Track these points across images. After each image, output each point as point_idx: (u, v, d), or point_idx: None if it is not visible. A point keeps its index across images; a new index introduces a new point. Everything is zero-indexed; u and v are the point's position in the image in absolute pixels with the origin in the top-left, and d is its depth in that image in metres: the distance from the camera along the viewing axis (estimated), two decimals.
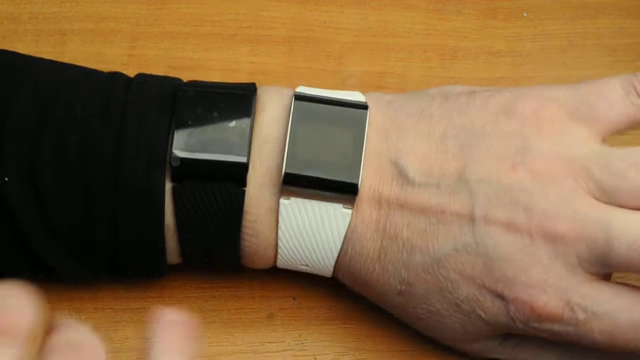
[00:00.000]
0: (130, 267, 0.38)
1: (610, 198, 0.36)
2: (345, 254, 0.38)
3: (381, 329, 0.41)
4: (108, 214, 0.36)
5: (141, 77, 0.38)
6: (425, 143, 0.37)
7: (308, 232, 0.37)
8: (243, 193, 0.36)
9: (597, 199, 0.36)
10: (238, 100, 0.37)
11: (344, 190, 0.36)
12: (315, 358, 0.40)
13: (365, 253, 0.37)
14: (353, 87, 0.45)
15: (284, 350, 0.40)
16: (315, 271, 0.39)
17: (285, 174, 0.36)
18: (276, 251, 0.38)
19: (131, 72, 0.39)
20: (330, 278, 0.41)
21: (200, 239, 0.37)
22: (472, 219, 0.36)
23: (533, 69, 0.46)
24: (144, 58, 0.46)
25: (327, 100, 0.37)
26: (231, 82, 0.38)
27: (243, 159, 0.36)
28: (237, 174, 0.36)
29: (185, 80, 0.38)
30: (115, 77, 0.38)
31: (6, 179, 0.35)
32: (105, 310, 0.41)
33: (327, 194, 0.36)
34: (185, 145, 0.35)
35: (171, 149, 0.35)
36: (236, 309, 0.41)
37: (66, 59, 0.45)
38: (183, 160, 0.35)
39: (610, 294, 0.35)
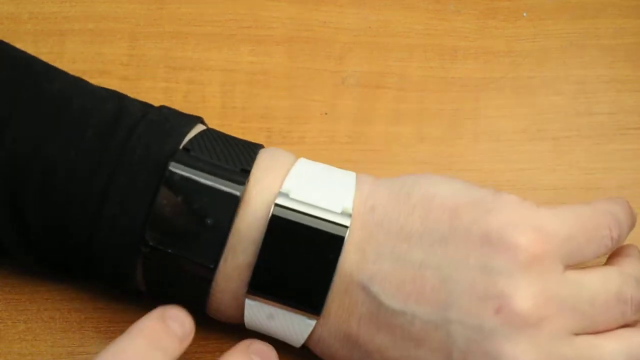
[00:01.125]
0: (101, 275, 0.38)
1: (590, 328, 0.35)
2: (315, 348, 0.38)
3: None
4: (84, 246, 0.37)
5: (146, 123, 0.37)
6: (402, 270, 0.35)
7: (272, 329, 0.37)
8: (209, 282, 0.36)
9: (577, 333, 0.35)
10: (223, 198, 0.35)
11: (308, 311, 0.36)
12: (315, 358, 0.40)
13: (333, 355, 0.37)
14: (353, 87, 0.45)
15: (283, 350, 0.40)
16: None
17: (250, 283, 0.35)
18: (240, 323, 0.38)
19: (131, 72, 0.39)
20: None
21: (167, 297, 0.37)
22: (449, 359, 0.34)
23: (533, 69, 0.46)
24: (144, 58, 0.46)
25: (307, 218, 0.35)
26: (235, 145, 0.37)
27: (211, 265, 0.35)
28: (203, 274, 0.36)
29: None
30: (119, 122, 0.37)
31: None
32: (105, 310, 0.41)
33: (291, 309, 0.36)
34: (157, 235, 0.35)
35: (143, 234, 0.35)
36: None
37: (66, 59, 0.45)
38: (153, 249, 0.35)
39: None
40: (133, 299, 0.41)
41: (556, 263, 0.35)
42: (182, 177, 0.35)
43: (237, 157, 0.36)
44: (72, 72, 0.39)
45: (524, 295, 0.34)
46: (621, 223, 0.37)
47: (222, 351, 0.40)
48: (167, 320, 0.34)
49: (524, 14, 0.48)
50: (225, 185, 0.35)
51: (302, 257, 0.35)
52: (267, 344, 0.36)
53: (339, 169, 0.38)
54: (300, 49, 0.46)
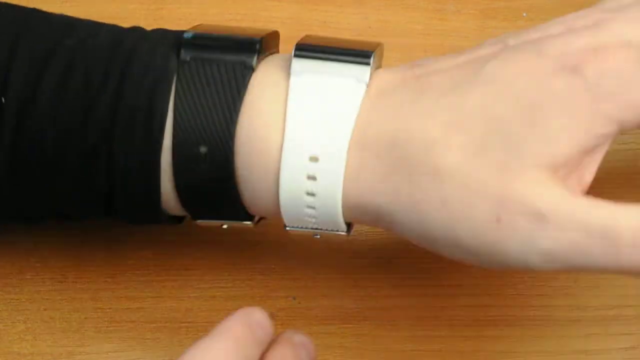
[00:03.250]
0: (126, 200, 0.36)
1: None
2: (369, 118, 0.34)
3: (381, 328, 0.41)
4: (107, 132, 0.35)
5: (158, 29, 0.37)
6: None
7: (319, 108, 0.34)
8: (251, 70, 0.35)
9: None
10: (244, 39, 0.36)
11: (358, 56, 0.34)
12: (315, 358, 0.40)
13: (398, 104, 0.34)
14: None
15: None
16: (324, 195, 0.34)
17: (298, 44, 0.35)
18: (278, 140, 0.34)
19: None
20: (330, 278, 0.41)
21: (194, 136, 0.34)
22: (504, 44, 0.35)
23: None
24: None
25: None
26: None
27: (256, 38, 0.35)
28: (249, 49, 0.35)
29: None
30: (129, 30, 0.37)
31: (3, 100, 0.35)
32: (105, 310, 0.41)
33: (341, 64, 0.34)
34: (192, 51, 0.35)
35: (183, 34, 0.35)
36: (236, 309, 0.41)
37: None
38: (195, 34, 0.35)
39: None
40: (133, 299, 0.41)
41: None
42: (199, 35, 0.35)
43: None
44: None
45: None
46: None
47: None
48: (254, 325, 0.33)
49: (524, 14, 0.48)
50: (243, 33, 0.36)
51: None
52: (306, 336, 0.35)
53: None
54: None
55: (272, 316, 0.40)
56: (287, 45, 0.46)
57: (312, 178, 0.34)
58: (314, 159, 0.34)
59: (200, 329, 0.41)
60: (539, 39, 0.34)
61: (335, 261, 0.42)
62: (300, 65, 0.35)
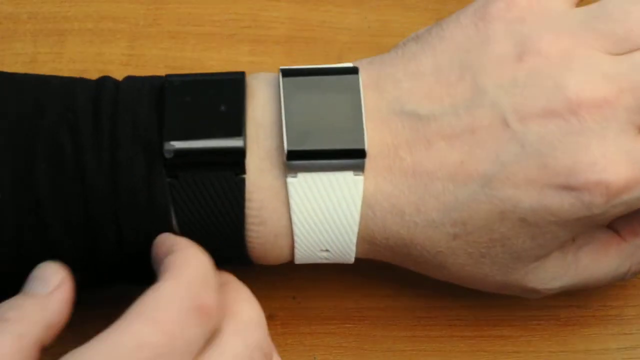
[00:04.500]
0: (133, 272, 0.37)
1: (625, 45, 0.35)
2: (374, 220, 0.36)
3: (381, 328, 0.41)
4: (110, 216, 0.35)
5: (129, 78, 0.37)
6: (422, 81, 0.35)
7: (322, 207, 0.35)
8: (243, 180, 0.34)
9: (615, 54, 0.35)
10: (228, 85, 0.35)
11: (352, 156, 0.34)
12: (315, 358, 0.40)
13: (399, 210, 0.35)
14: None
15: (284, 350, 0.40)
16: (337, 257, 0.37)
17: (288, 151, 0.34)
18: (289, 240, 0.36)
19: (130, 72, 0.39)
20: (330, 278, 0.41)
21: (203, 236, 0.35)
22: (507, 125, 0.34)
23: None
24: (143, 58, 0.45)
25: (315, 70, 0.36)
26: (218, 72, 0.37)
27: (239, 143, 0.34)
28: (234, 159, 0.34)
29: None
30: (104, 81, 0.36)
31: None
32: (105, 310, 0.41)
33: (335, 162, 0.34)
34: (177, 135, 0.34)
35: (163, 141, 0.34)
36: None
37: (65, 58, 0.45)
38: (177, 151, 0.34)
39: None
40: (133, 299, 0.41)
41: (545, 2, 0.36)
42: (183, 81, 0.35)
43: (224, 73, 0.37)
44: (71, 72, 0.39)
45: (535, 39, 0.35)
46: None
47: None
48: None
49: None
50: (227, 76, 0.36)
51: (325, 107, 0.35)
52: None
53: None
54: (300, 49, 0.46)
55: (272, 316, 0.40)
56: (287, 45, 0.46)
57: (325, 251, 0.37)
58: (325, 250, 0.36)
59: None
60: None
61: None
62: (294, 165, 0.35)
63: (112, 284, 0.38)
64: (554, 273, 0.37)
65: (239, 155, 0.34)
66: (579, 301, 0.42)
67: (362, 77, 0.36)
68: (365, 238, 0.36)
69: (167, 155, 0.34)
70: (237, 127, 0.34)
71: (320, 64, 0.36)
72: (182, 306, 0.30)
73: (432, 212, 0.35)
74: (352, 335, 0.41)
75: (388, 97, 0.36)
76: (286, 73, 0.35)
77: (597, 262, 0.38)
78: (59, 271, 0.33)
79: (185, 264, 0.32)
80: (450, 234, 0.35)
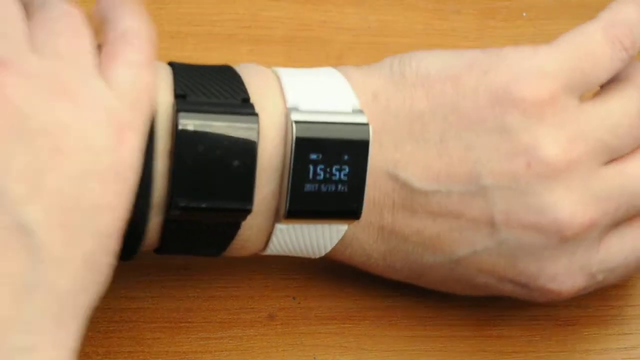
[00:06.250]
0: None
1: (616, 155, 0.36)
2: (344, 252, 0.37)
3: (381, 328, 0.41)
4: None
5: None
6: (425, 150, 0.35)
7: (297, 247, 0.37)
8: (239, 225, 0.35)
9: (606, 163, 0.36)
10: (242, 133, 0.33)
11: (348, 217, 0.35)
12: (315, 358, 0.40)
13: (367, 254, 0.37)
14: None
15: (283, 350, 0.40)
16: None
17: (289, 210, 0.34)
18: (259, 253, 0.38)
19: None
20: (330, 278, 0.41)
21: (184, 250, 0.36)
22: (492, 224, 0.35)
23: None
24: None
25: (327, 123, 0.34)
26: (227, 88, 0.35)
27: (249, 206, 0.34)
28: (240, 219, 0.34)
29: None
30: None
31: None
32: (105, 310, 0.41)
33: (329, 221, 0.36)
34: (186, 191, 0.33)
35: (171, 195, 0.33)
36: (236, 309, 0.41)
37: None
38: (184, 208, 0.33)
39: (619, 245, 0.36)
40: (133, 299, 0.41)
41: (568, 99, 0.35)
42: (196, 125, 0.33)
43: (226, 87, 0.35)
44: None
45: (548, 143, 0.34)
46: (632, 25, 0.37)
47: (222, 350, 0.40)
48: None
49: (524, 14, 0.48)
50: (240, 122, 0.33)
51: (332, 169, 0.34)
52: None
53: (316, 68, 0.37)
54: (300, 49, 0.46)
55: (272, 316, 0.40)
56: (287, 45, 0.46)
57: (298, 237, 0.37)
58: (299, 237, 0.37)
59: (200, 329, 0.40)
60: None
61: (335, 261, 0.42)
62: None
63: None
64: None
65: (244, 215, 0.34)
66: (579, 301, 0.42)
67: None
68: (337, 256, 0.38)
69: (173, 213, 0.33)
70: (248, 190, 0.34)
71: (321, 65, 0.36)
72: None
73: (396, 262, 0.37)
74: (352, 335, 0.41)
75: (387, 157, 0.35)
76: (299, 122, 0.34)
77: None
78: None
79: None
80: (405, 276, 0.38)
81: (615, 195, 0.35)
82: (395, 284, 0.41)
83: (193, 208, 0.33)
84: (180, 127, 0.33)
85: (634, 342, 0.41)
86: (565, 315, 0.42)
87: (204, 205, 0.33)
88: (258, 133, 0.33)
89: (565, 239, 0.35)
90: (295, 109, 0.34)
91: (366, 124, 0.34)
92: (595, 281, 0.37)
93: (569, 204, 0.35)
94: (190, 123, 0.33)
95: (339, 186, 0.34)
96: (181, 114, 0.33)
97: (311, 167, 0.34)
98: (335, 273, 0.42)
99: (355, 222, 0.36)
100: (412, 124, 0.35)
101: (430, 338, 0.41)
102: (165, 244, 0.35)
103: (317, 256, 0.38)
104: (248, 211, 0.34)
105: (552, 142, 0.35)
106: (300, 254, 0.37)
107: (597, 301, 0.42)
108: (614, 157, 0.36)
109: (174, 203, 0.33)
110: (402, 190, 0.35)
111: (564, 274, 0.36)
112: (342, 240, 0.37)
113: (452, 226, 0.35)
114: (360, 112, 0.35)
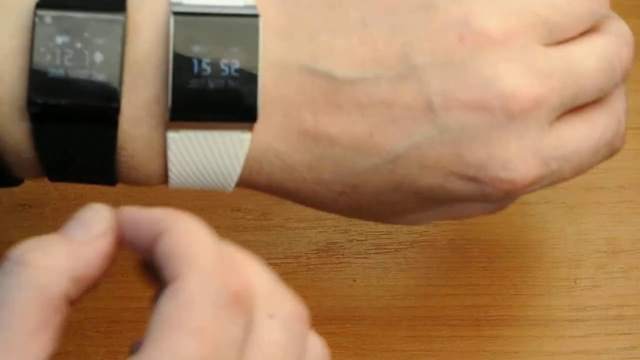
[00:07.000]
0: None
1: (559, 36, 0.33)
2: (261, 171, 0.33)
3: (381, 328, 0.41)
4: None
5: None
6: (344, 36, 0.32)
7: (201, 170, 0.33)
8: (114, 133, 0.31)
9: (549, 44, 0.33)
10: (106, 25, 0.31)
11: (243, 118, 0.31)
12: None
13: (289, 167, 0.33)
14: None
15: None
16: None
17: (172, 109, 0.31)
18: (162, 179, 0.33)
19: None
20: (330, 278, 0.41)
21: (68, 175, 0.33)
22: (429, 108, 0.32)
23: None
24: None
25: (211, 13, 0.32)
26: None
27: (115, 104, 0.31)
28: (107, 118, 0.31)
29: None
30: None
31: None
32: (105, 310, 0.41)
33: (223, 124, 0.32)
34: (45, 88, 0.31)
35: (28, 93, 0.30)
36: None
37: None
38: (44, 106, 0.31)
39: (569, 131, 0.34)
40: (133, 299, 0.41)
41: None
42: (55, 17, 0.31)
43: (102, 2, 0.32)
44: None
45: (479, 13, 0.32)
46: None
47: None
48: None
49: None
50: (106, 10, 0.31)
51: (220, 64, 0.31)
52: None
53: None
54: None
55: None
56: None
57: (198, 153, 0.33)
58: (199, 153, 0.33)
59: None
60: None
61: (335, 261, 0.42)
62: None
63: None
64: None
65: (112, 115, 0.31)
66: (579, 301, 0.42)
67: (271, 17, 0.32)
68: (245, 182, 0.34)
69: (32, 111, 0.31)
70: (112, 85, 0.31)
71: None
72: (216, 303, 0.26)
73: (325, 172, 0.33)
74: (352, 335, 0.41)
75: (300, 50, 0.32)
76: (179, 13, 0.31)
77: None
78: (107, 218, 0.28)
79: (195, 246, 0.27)
80: (338, 192, 0.34)
81: (560, 73, 0.33)
82: (396, 284, 0.41)
83: (53, 106, 0.31)
84: (36, 20, 0.30)
85: (634, 342, 0.41)
86: (565, 315, 0.42)
87: (63, 102, 0.31)
88: (124, 26, 0.31)
89: (512, 115, 0.32)
90: (179, 4, 0.32)
91: (256, 15, 0.31)
92: (550, 170, 0.33)
93: (512, 77, 0.32)
94: (48, 14, 0.31)
95: (229, 82, 0.31)
96: (39, 8, 0.31)
97: (195, 62, 0.31)
98: (335, 273, 0.42)
99: (266, 131, 0.32)
100: (329, 12, 0.32)
101: (430, 338, 0.41)
102: (44, 160, 0.32)
103: (232, 183, 0.34)
104: (115, 110, 0.31)
105: (484, 12, 0.32)
106: (211, 183, 0.33)
107: (597, 301, 0.42)
108: (558, 39, 0.33)
109: (32, 100, 0.30)
110: (324, 83, 0.32)
111: (515, 159, 0.32)
112: (254, 155, 0.33)
113: (384, 118, 0.32)
114: (253, 6, 0.32)
